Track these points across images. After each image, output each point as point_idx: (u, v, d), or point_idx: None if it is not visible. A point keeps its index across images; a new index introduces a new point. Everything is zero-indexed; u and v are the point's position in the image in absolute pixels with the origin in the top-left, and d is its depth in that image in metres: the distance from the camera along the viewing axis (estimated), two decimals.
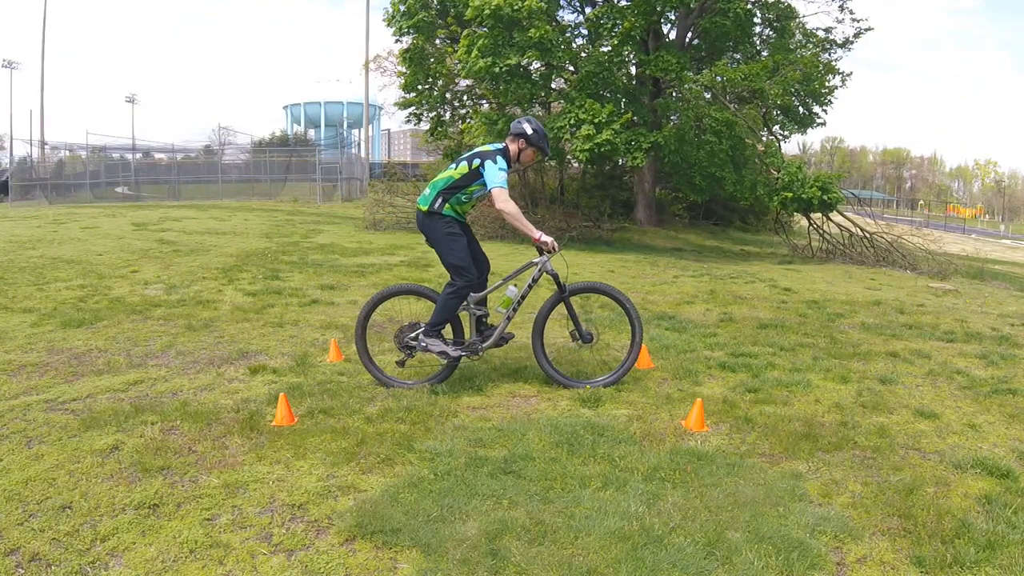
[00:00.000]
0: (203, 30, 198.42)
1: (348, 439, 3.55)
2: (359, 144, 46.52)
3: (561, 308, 4.64)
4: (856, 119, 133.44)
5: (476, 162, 4.27)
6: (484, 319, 4.52)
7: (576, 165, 20.48)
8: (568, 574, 2.45)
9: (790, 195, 15.08)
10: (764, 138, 18.61)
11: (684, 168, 16.30)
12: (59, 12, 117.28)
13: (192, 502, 2.89)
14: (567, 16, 18.82)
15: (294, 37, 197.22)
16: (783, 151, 17.98)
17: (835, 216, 16.21)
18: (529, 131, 4.38)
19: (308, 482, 3.10)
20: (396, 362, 4.59)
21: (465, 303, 4.43)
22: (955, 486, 3.25)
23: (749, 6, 17.51)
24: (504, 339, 4.52)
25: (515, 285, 4.56)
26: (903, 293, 10.02)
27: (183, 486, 3.03)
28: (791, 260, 15.16)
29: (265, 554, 2.55)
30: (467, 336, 4.54)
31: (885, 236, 15.51)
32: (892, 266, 14.40)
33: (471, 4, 14.05)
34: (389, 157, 58.26)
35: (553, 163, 18.40)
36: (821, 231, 16.52)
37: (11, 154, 35.24)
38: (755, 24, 18.81)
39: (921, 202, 73.24)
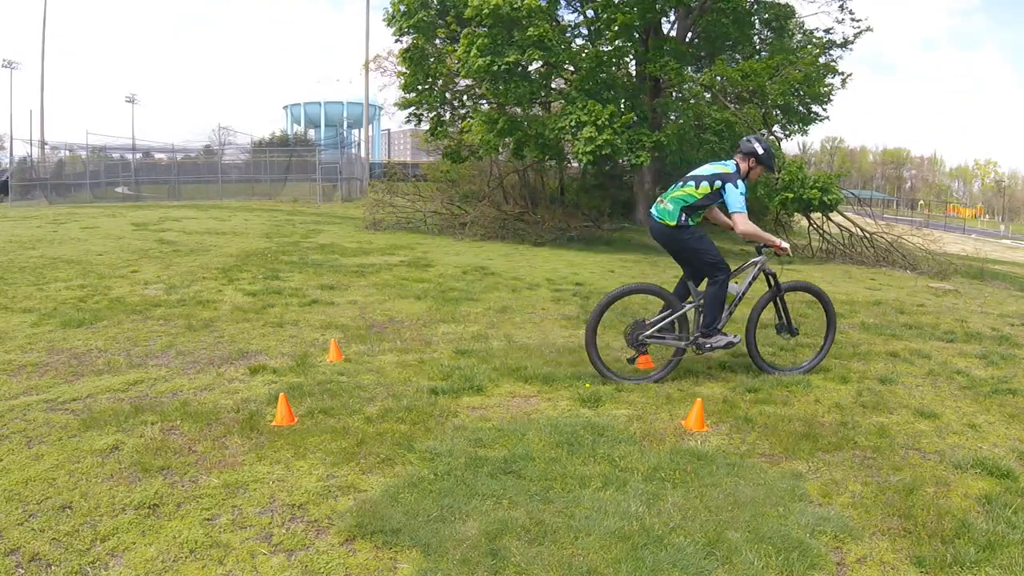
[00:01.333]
0: (203, 30, 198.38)
1: (348, 439, 3.55)
2: (359, 144, 46.50)
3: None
4: (856, 119, 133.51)
5: (717, 184, 4.55)
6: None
7: (576, 165, 20.47)
8: (568, 574, 2.45)
9: (791, 196, 15.07)
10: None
11: (685, 168, 16.28)
12: (59, 12, 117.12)
13: (192, 502, 2.89)
14: (567, 16, 18.83)
15: (294, 37, 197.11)
16: (783, 151, 17.97)
17: (835, 216, 16.20)
18: (760, 151, 4.64)
19: (308, 482, 3.10)
20: (627, 360, 4.81)
21: (692, 300, 4.75)
22: (955, 486, 3.25)
23: (748, 5, 17.51)
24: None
25: (736, 282, 4.86)
26: (903, 293, 10.03)
27: (183, 486, 3.03)
28: (791, 260, 15.11)
29: (265, 554, 2.55)
30: (691, 330, 4.79)
31: (885, 236, 15.51)
32: (892, 266, 14.40)
33: (470, 3, 14.05)
34: (389, 157, 58.19)
35: (553, 163, 18.39)
36: (821, 231, 16.52)
37: (11, 154, 35.14)
38: (754, 24, 18.80)
39: (921, 202, 73.19)
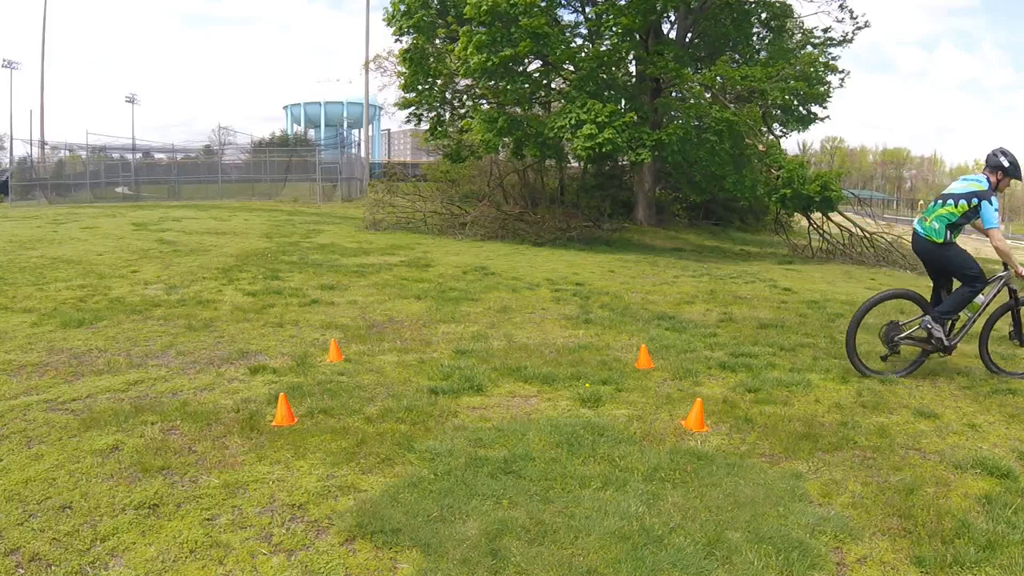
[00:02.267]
0: (203, 30, 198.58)
1: (348, 439, 3.55)
2: (359, 144, 46.47)
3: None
4: (856, 119, 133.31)
5: (974, 201, 4.84)
6: (955, 322, 5.29)
7: (576, 164, 20.46)
8: (568, 574, 2.45)
9: (789, 192, 15.10)
10: (765, 137, 18.59)
11: (685, 167, 16.30)
12: (59, 12, 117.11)
13: (192, 502, 2.89)
14: (567, 16, 18.83)
15: (294, 38, 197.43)
16: (783, 150, 17.97)
17: (835, 216, 16.22)
18: (1006, 164, 4.89)
19: (308, 482, 3.11)
20: (880, 357, 5.23)
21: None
22: (955, 486, 3.25)
23: (748, 5, 17.52)
24: (952, 347, 5.12)
25: (983, 293, 5.17)
26: None
27: (183, 486, 3.03)
28: (791, 260, 15.16)
29: (265, 554, 2.55)
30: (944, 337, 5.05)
31: (885, 236, 15.53)
32: (892, 266, 14.41)
33: (469, 2, 14.05)
34: (389, 157, 58.14)
35: (553, 163, 18.39)
36: (821, 231, 16.53)
37: (11, 154, 35.18)
38: (753, 25, 18.80)
39: (921, 202, 72.86)
